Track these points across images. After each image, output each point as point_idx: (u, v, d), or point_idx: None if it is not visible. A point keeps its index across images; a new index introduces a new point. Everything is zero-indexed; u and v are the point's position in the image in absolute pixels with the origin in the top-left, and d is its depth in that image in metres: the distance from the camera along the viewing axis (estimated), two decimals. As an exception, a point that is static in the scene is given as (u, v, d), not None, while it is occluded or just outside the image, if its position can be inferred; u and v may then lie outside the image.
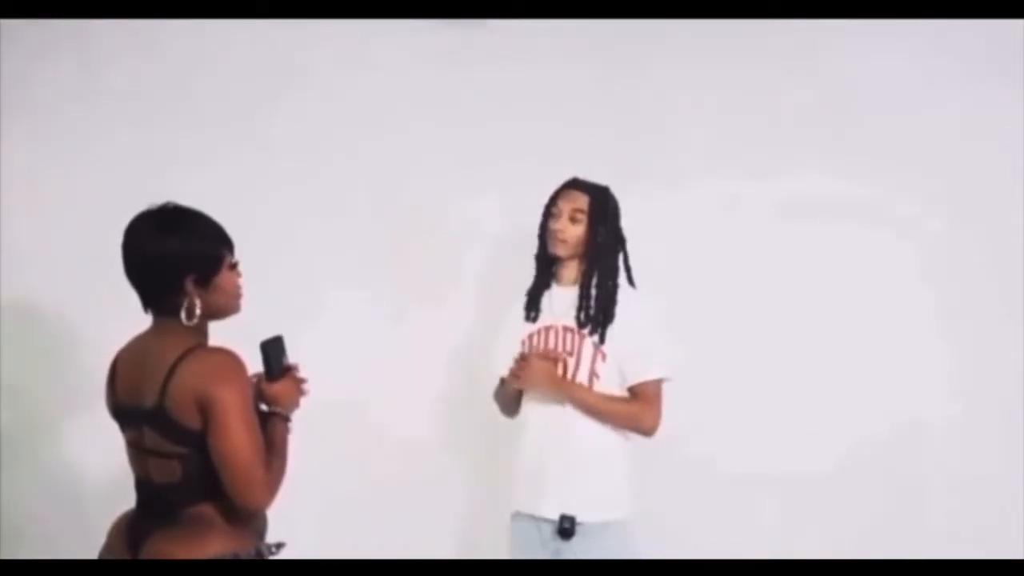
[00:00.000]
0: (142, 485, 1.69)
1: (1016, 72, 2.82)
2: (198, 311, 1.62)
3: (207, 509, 1.63)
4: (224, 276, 1.67)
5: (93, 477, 2.89)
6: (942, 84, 2.87)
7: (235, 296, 1.72)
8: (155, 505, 1.66)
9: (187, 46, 3.05)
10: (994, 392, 2.79)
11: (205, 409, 1.56)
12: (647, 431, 2.24)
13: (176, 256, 1.61)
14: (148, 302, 1.67)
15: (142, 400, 1.61)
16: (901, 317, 2.86)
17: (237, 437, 1.55)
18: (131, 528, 1.68)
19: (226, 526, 1.63)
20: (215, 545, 1.60)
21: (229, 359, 1.60)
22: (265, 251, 3.10)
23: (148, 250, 1.61)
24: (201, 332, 1.69)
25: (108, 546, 1.71)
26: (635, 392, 2.22)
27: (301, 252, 3.00)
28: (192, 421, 1.57)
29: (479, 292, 2.95)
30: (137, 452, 1.66)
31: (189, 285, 1.62)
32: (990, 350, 2.81)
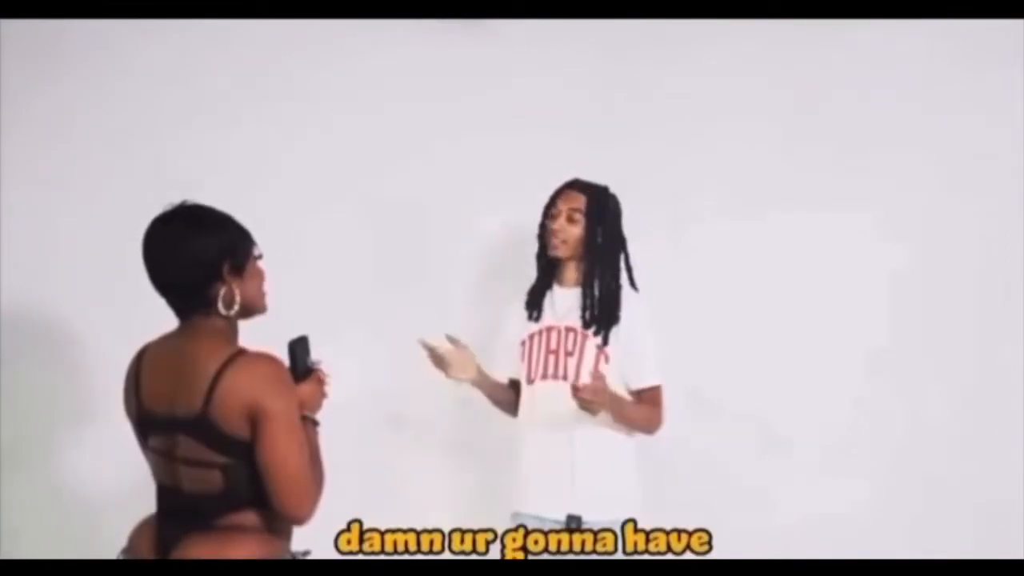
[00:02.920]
0: (168, 493, 1.63)
1: (1017, 71, 2.82)
2: (237, 298, 1.60)
3: (242, 517, 1.59)
4: (253, 266, 1.66)
5: (95, 480, 2.89)
6: (943, 83, 2.87)
7: (262, 289, 1.68)
8: (185, 514, 1.59)
9: (186, 47, 3.05)
10: (995, 392, 2.80)
11: (255, 419, 1.52)
12: (652, 431, 2.26)
13: (213, 247, 1.58)
14: (181, 302, 1.62)
15: (178, 408, 1.56)
16: (902, 316, 2.86)
17: (288, 448, 1.53)
18: (158, 533, 1.62)
19: (260, 532, 1.60)
20: (249, 550, 1.56)
21: (277, 367, 1.57)
22: (266, 249, 3.11)
23: (183, 247, 1.58)
24: (235, 333, 1.65)
25: (130, 550, 1.66)
26: (640, 396, 2.23)
27: (300, 252, 3.00)
28: (240, 430, 1.53)
29: (479, 292, 2.95)
30: (166, 461, 1.60)
31: (226, 273, 1.59)
32: (991, 350, 2.81)
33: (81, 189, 3.03)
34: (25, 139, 3.05)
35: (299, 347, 1.74)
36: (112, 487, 2.77)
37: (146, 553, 1.63)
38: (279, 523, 1.61)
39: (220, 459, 1.54)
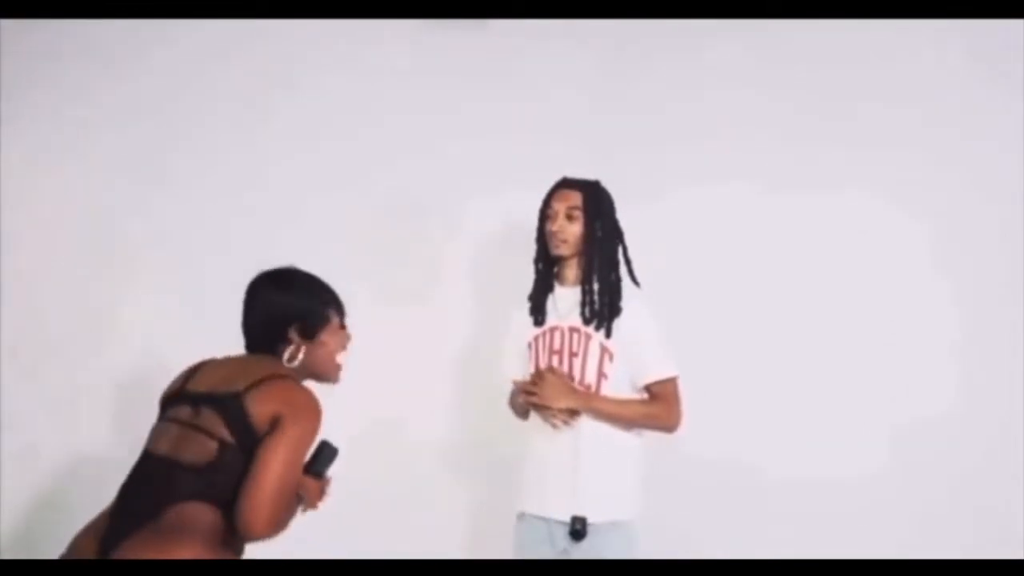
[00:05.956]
0: (151, 460, 1.69)
1: (1018, 70, 2.83)
2: (300, 356, 1.77)
3: (196, 513, 1.61)
4: (329, 334, 1.81)
5: (94, 480, 2.88)
6: (945, 80, 2.87)
7: (335, 358, 1.82)
8: (152, 483, 1.65)
9: (185, 47, 3.05)
10: (996, 392, 2.79)
11: (275, 423, 1.63)
12: (670, 429, 2.25)
13: (285, 306, 1.79)
14: (253, 346, 1.81)
15: (220, 387, 1.69)
16: (902, 316, 2.86)
17: (280, 460, 1.61)
18: (105, 531, 1.64)
19: (206, 538, 1.60)
20: (193, 552, 1.57)
21: (318, 407, 1.71)
22: (265, 250, 3.11)
23: (262, 302, 1.80)
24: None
25: (73, 549, 1.67)
26: (651, 392, 2.22)
27: (298, 254, 3.00)
28: (260, 422, 1.63)
29: (483, 293, 2.95)
30: (177, 426, 1.69)
31: (293, 334, 1.77)
32: (991, 350, 2.82)
33: (81, 188, 3.04)
34: (25, 138, 3.05)
35: (328, 452, 1.82)
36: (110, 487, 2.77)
37: (89, 551, 1.64)
38: (230, 537, 1.63)
39: (226, 436, 1.63)
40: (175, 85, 3.06)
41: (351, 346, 1.88)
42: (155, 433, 1.74)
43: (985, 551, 2.53)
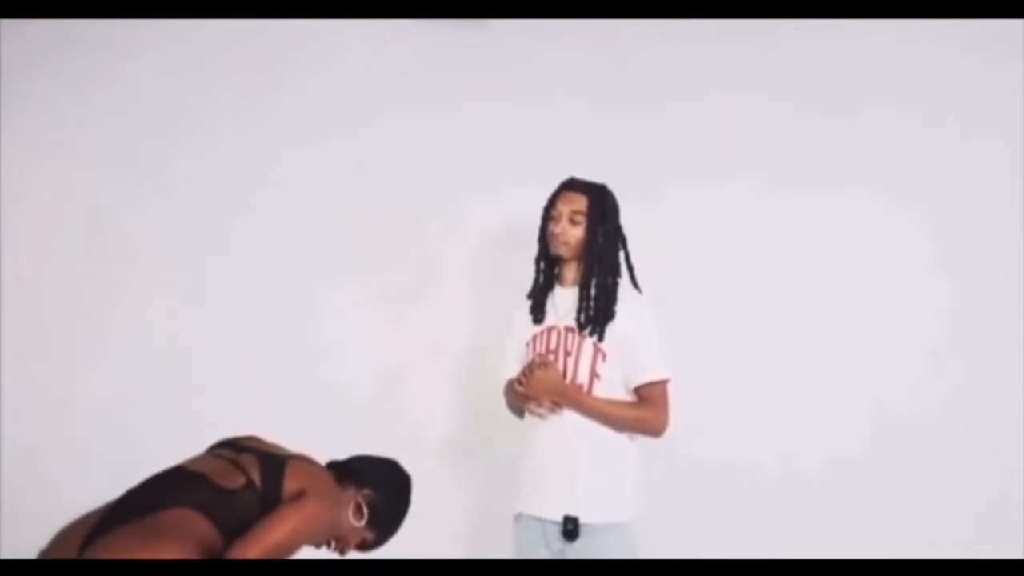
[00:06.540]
0: (177, 471, 1.74)
1: (1017, 69, 2.83)
2: (346, 499, 1.87)
3: (190, 517, 1.63)
4: (359, 532, 1.90)
5: (95, 480, 2.88)
6: (944, 79, 2.87)
7: (330, 535, 1.87)
8: (146, 492, 1.68)
9: (185, 45, 3.05)
10: (996, 391, 2.79)
11: (300, 494, 1.74)
12: (655, 433, 2.24)
13: (382, 490, 1.92)
14: (340, 463, 1.94)
15: (267, 448, 1.84)
16: (902, 316, 2.86)
17: (290, 527, 1.69)
18: (96, 523, 1.65)
19: (195, 543, 1.61)
20: (174, 554, 1.58)
21: (338, 509, 1.84)
22: (265, 249, 3.11)
23: (385, 469, 1.98)
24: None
25: (57, 541, 1.69)
26: (640, 394, 2.22)
27: (300, 255, 3.01)
28: (289, 489, 1.74)
29: (483, 293, 2.95)
30: (215, 457, 1.79)
31: (364, 492, 1.89)
32: (991, 349, 2.82)
33: (80, 187, 3.04)
34: (24, 137, 3.05)
35: None
36: (110, 487, 2.77)
37: (71, 543, 1.65)
38: (213, 554, 1.65)
39: (256, 480, 1.73)
40: (175, 84, 3.07)
41: (331, 550, 1.93)
42: (192, 459, 1.80)
43: (985, 550, 2.53)
